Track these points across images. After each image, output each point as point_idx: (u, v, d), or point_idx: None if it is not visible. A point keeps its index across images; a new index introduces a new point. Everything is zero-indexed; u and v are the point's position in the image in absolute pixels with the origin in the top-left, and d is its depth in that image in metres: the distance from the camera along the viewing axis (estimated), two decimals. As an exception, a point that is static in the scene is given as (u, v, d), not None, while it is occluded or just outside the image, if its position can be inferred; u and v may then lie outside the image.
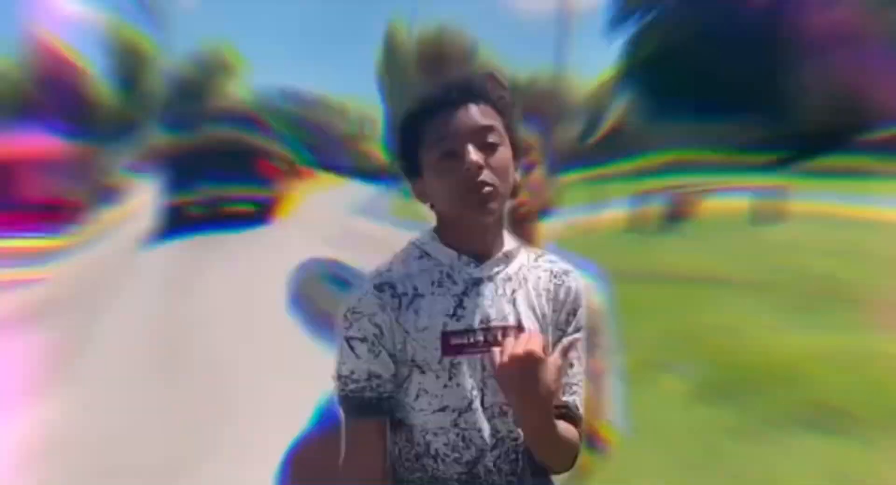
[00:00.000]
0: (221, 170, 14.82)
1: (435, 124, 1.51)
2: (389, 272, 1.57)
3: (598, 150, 61.06)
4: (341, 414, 1.56)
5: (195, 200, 15.43)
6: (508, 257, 1.59)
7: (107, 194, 21.59)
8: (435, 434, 1.54)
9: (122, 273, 12.57)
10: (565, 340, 1.59)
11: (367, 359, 1.53)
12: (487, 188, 1.48)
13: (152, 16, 54.77)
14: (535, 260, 1.65)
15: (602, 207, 16.20)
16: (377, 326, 1.52)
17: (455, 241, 1.57)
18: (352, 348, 1.53)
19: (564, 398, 1.58)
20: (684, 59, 41.35)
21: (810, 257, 10.80)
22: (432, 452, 1.55)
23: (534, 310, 1.58)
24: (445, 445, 1.54)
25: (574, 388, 1.61)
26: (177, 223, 15.22)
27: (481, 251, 1.57)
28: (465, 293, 1.54)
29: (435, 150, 1.51)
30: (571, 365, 1.60)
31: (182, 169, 15.15)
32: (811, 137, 40.75)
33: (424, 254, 1.59)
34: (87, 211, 18.19)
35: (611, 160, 49.32)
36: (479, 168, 1.48)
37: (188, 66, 68.39)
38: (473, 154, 1.48)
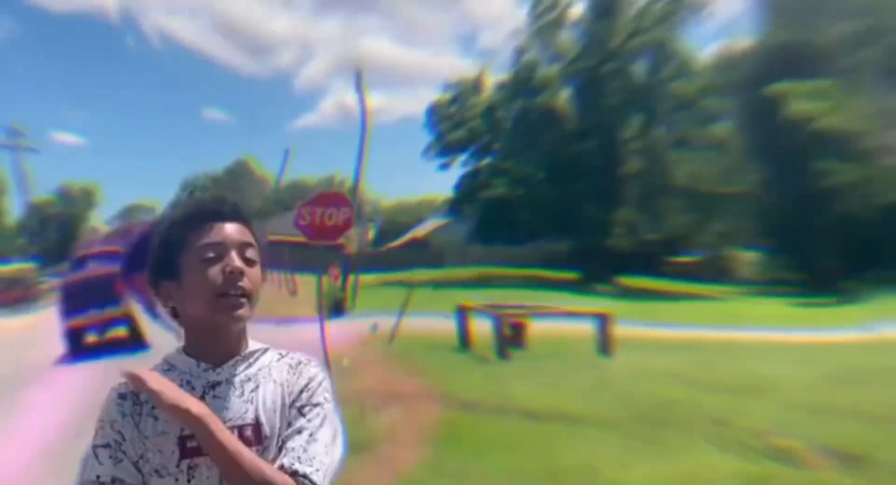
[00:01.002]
0: (102, 297, 17.93)
1: (204, 230, 1.64)
2: None
3: (398, 256, 63.31)
4: None
5: (87, 323, 18.47)
6: (248, 359, 1.70)
7: None
8: None
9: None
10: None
11: (109, 465, 1.58)
12: (242, 296, 1.62)
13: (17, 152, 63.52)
14: (280, 359, 1.75)
15: (408, 314, 16.24)
16: (119, 432, 1.60)
17: (197, 349, 1.67)
18: (96, 456, 1.59)
19: (280, 461, 1.62)
20: (505, 200, 45.59)
21: (649, 385, 11.13)
22: None
23: (274, 404, 1.67)
24: None
25: (294, 453, 1.63)
26: (78, 348, 17.94)
27: (224, 356, 1.67)
28: (203, 397, 1.62)
29: (200, 252, 1.63)
30: (299, 432, 1.66)
31: (73, 298, 18.27)
32: (619, 257, 44.42)
33: (171, 366, 1.68)
34: None
35: (413, 267, 51.52)
36: (241, 273, 1.63)
37: (54, 200, 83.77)
38: (237, 261, 1.63)
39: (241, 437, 1.60)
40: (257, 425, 1.64)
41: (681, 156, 49.40)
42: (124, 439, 1.60)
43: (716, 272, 65.52)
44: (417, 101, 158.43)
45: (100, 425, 1.62)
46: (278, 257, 29.55)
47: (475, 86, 50.74)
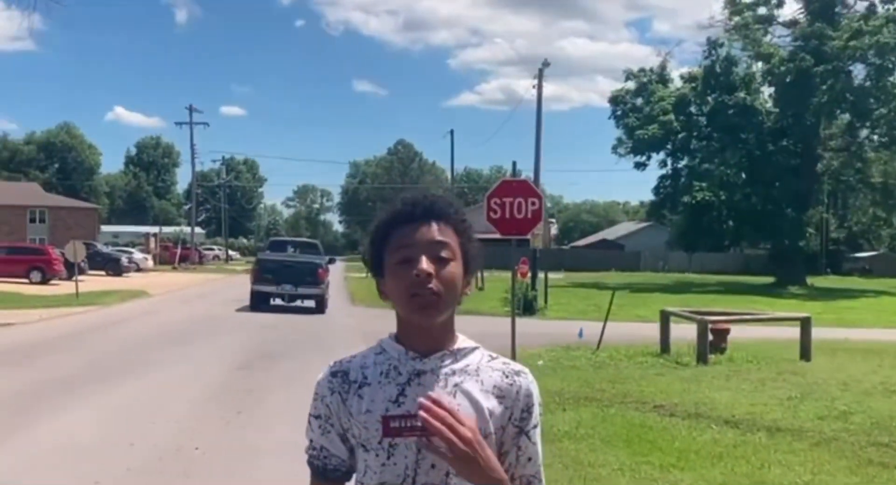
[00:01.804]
0: (297, 276, 24.26)
1: (399, 234, 1.70)
2: (349, 362, 1.79)
3: (586, 256, 62.29)
4: None
5: (278, 293, 24.57)
6: (455, 355, 1.73)
7: None
8: None
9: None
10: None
11: (318, 434, 1.78)
12: (432, 296, 1.65)
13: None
14: (490, 361, 1.77)
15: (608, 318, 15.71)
16: (328, 407, 1.76)
17: (406, 337, 1.74)
18: (310, 423, 1.79)
19: None
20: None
21: (861, 398, 10.16)
22: None
23: (476, 403, 1.68)
24: None
25: (533, 481, 1.76)
26: (262, 306, 24.29)
27: (429, 348, 1.72)
28: (408, 383, 1.70)
29: (395, 255, 1.69)
30: (529, 459, 1.74)
31: (272, 272, 24.38)
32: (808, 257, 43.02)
33: (382, 350, 1.78)
34: None
35: (602, 268, 50.69)
36: (429, 276, 1.65)
37: (219, 172, 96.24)
38: (425, 264, 1.65)
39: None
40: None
41: (881, 155, 45.97)
42: (332, 413, 1.75)
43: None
44: (592, 90, 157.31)
45: (315, 397, 1.78)
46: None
47: (661, 76, 48.67)
